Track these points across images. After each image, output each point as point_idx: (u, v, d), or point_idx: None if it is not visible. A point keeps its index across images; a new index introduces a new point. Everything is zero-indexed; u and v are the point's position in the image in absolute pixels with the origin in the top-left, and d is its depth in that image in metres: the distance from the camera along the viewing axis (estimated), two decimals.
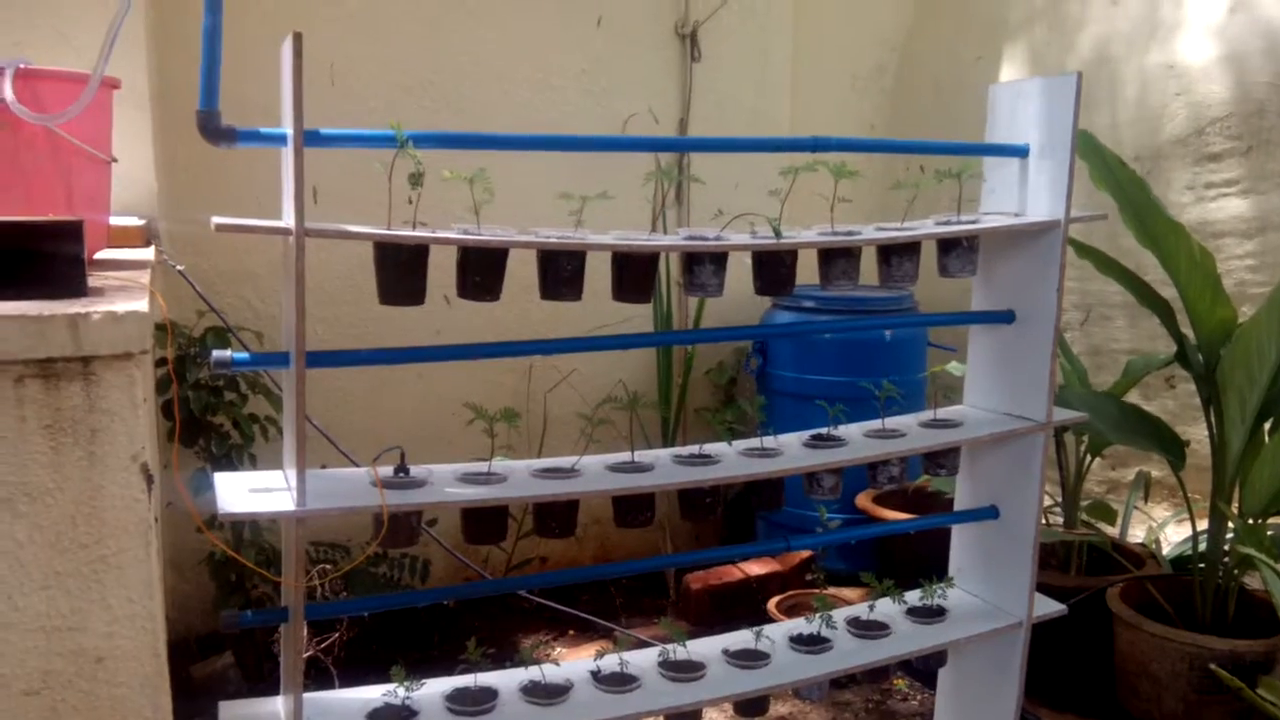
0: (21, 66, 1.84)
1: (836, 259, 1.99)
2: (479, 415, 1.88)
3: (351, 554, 3.21)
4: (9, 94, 1.79)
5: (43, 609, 1.52)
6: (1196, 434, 3.25)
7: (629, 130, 3.91)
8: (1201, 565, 2.90)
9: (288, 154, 1.60)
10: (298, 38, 1.54)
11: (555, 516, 1.90)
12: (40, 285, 1.59)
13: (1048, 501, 3.06)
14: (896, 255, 2.04)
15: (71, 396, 1.50)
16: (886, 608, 2.30)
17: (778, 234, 1.93)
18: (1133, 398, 3.30)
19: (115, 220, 2.32)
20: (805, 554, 3.62)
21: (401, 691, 1.84)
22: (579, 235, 1.81)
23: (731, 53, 4.16)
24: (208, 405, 2.89)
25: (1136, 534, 3.53)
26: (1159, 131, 3.62)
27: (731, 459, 2.04)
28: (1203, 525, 2.98)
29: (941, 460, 2.26)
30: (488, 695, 1.88)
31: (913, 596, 2.35)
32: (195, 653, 3.14)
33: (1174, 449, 2.91)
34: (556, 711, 1.88)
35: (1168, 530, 3.52)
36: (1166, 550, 3.31)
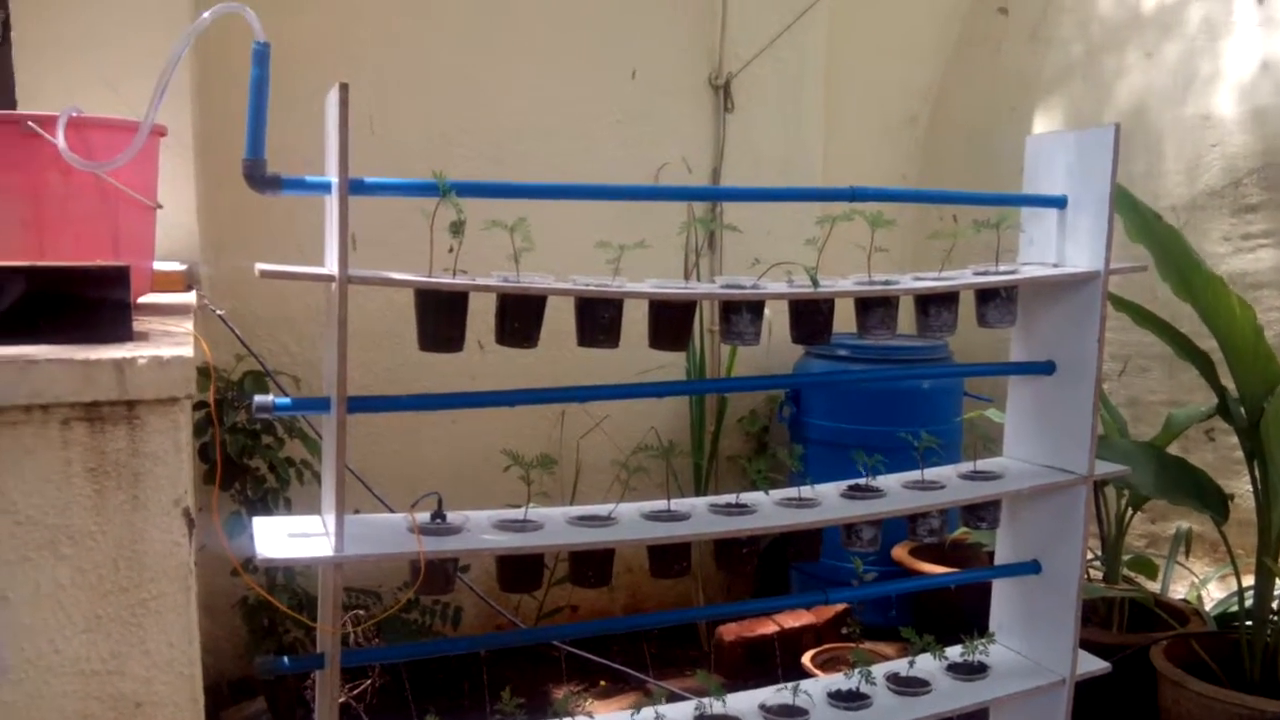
0: (73, 115, 1.88)
1: (875, 308, 1.99)
2: (515, 462, 1.88)
3: (383, 600, 3.20)
4: (61, 142, 1.82)
5: (83, 653, 1.52)
6: (1238, 487, 3.19)
7: (662, 179, 3.94)
8: (1248, 623, 2.84)
9: (332, 202, 1.62)
10: (344, 88, 1.56)
11: (592, 565, 1.89)
12: (87, 329, 1.60)
13: (1088, 556, 3.01)
14: (935, 305, 2.04)
15: (116, 440, 1.51)
16: (926, 664, 2.26)
17: (815, 283, 1.93)
18: (1173, 450, 3.25)
19: (159, 265, 2.35)
20: (841, 607, 3.57)
21: None
22: (618, 283, 1.82)
23: (764, 103, 4.19)
24: (245, 448, 2.91)
25: (1179, 590, 3.46)
26: (1195, 183, 3.60)
27: (768, 509, 2.03)
28: (1248, 581, 2.92)
29: (981, 513, 2.24)
30: None
31: (953, 652, 2.31)
32: (227, 697, 3.12)
33: (1217, 503, 2.86)
34: None
35: (1211, 586, 3.45)
36: (1210, 606, 3.24)
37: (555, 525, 1.87)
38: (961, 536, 3.27)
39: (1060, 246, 2.24)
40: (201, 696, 1.61)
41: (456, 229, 1.67)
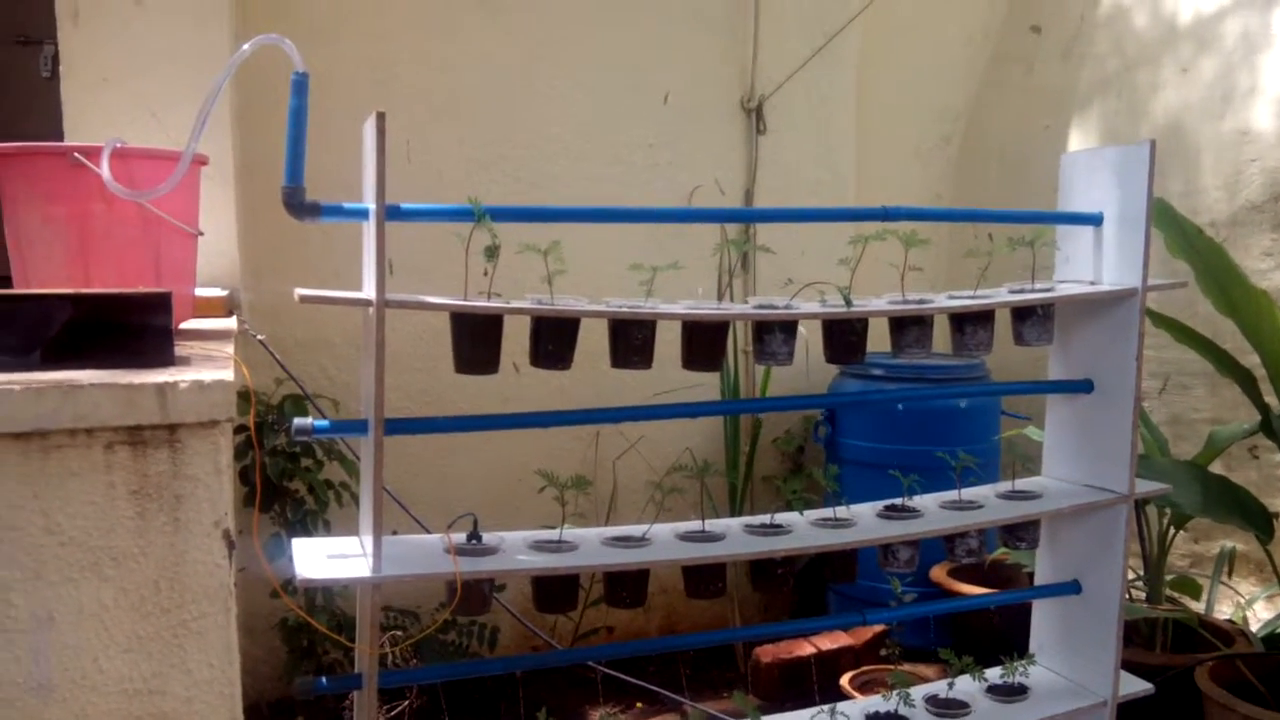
0: (117, 146, 1.92)
1: (909, 327, 1.98)
2: (550, 482, 1.89)
3: (421, 620, 3.21)
4: (106, 173, 1.87)
5: (125, 672, 1.54)
6: None
7: (695, 201, 3.96)
8: None
9: (369, 228, 1.64)
10: (380, 117, 1.59)
11: (626, 586, 1.89)
12: (130, 354, 1.63)
13: (1129, 576, 2.97)
14: (971, 323, 2.03)
15: (158, 463, 1.53)
16: (966, 685, 2.24)
17: (848, 302, 1.93)
18: (1215, 468, 3.20)
19: (200, 291, 2.39)
20: (879, 629, 3.54)
21: None
22: (651, 305, 1.83)
23: (796, 125, 4.20)
24: (284, 471, 2.94)
25: (1223, 610, 3.40)
26: (1235, 198, 3.57)
27: (804, 529, 2.02)
28: None
29: (1021, 533, 2.21)
30: None
31: (993, 674, 2.29)
32: (267, 718, 3.15)
33: (1261, 522, 2.81)
34: None
35: (1257, 606, 3.39)
36: (1256, 627, 3.18)
37: (590, 546, 1.88)
38: (1001, 557, 3.24)
39: (1097, 264, 2.22)
40: (241, 716, 1.63)
41: (491, 253, 1.69)
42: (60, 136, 2.55)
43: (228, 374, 1.58)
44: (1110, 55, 4.04)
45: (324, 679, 1.81)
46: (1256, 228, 3.51)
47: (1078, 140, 4.14)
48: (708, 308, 1.88)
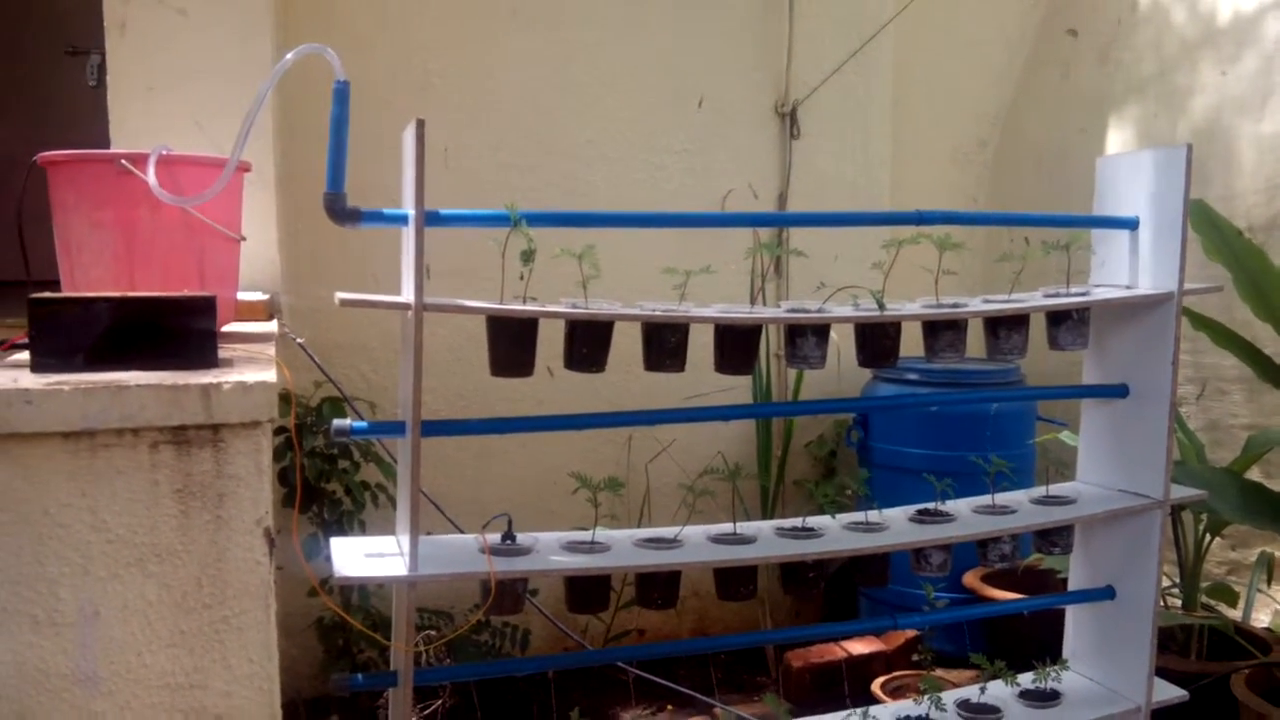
0: (163, 153, 1.96)
1: (943, 331, 1.99)
2: (583, 484, 1.91)
3: (455, 620, 3.24)
4: (152, 179, 1.91)
5: (167, 666, 1.58)
6: None
7: (729, 205, 3.97)
8: None
9: (408, 233, 1.67)
10: (420, 124, 1.62)
11: (658, 587, 1.91)
12: (175, 357, 1.67)
13: (1165, 582, 2.95)
14: (1005, 328, 2.03)
15: (202, 462, 1.57)
16: (998, 690, 2.24)
17: (881, 306, 1.93)
18: (1253, 475, 3.17)
19: (242, 295, 2.44)
20: (911, 634, 3.53)
21: None
22: (684, 309, 1.85)
23: (831, 129, 4.20)
24: (322, 472, 2.98)
25: (1261, 618, 3.36)
26: (1275, 202, 3.53)
27: (835, 532, 2.03)
28: None
29: (1054, 538, 2.21)
30: None
31: (1025, 679, 2.28)
32: (303, 716, 3.19)
33: None
34: None
35: None
36: None
37: (622, 547, 1.90)
38: (1034, 562, 3.22)
39: (1133, 268, 2.21)
40: (279, 711, 1.66)
41: (527, 257, 1.71)
42: (106, 145, 2.61)
43: (270, 375, 1.61)
44: (1147, 58, 4.01)
45: (360, 676, 1.84)
46: None
47: (1114, 144, 4.11)
48: (740, 311, 1.90)
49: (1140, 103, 4.04)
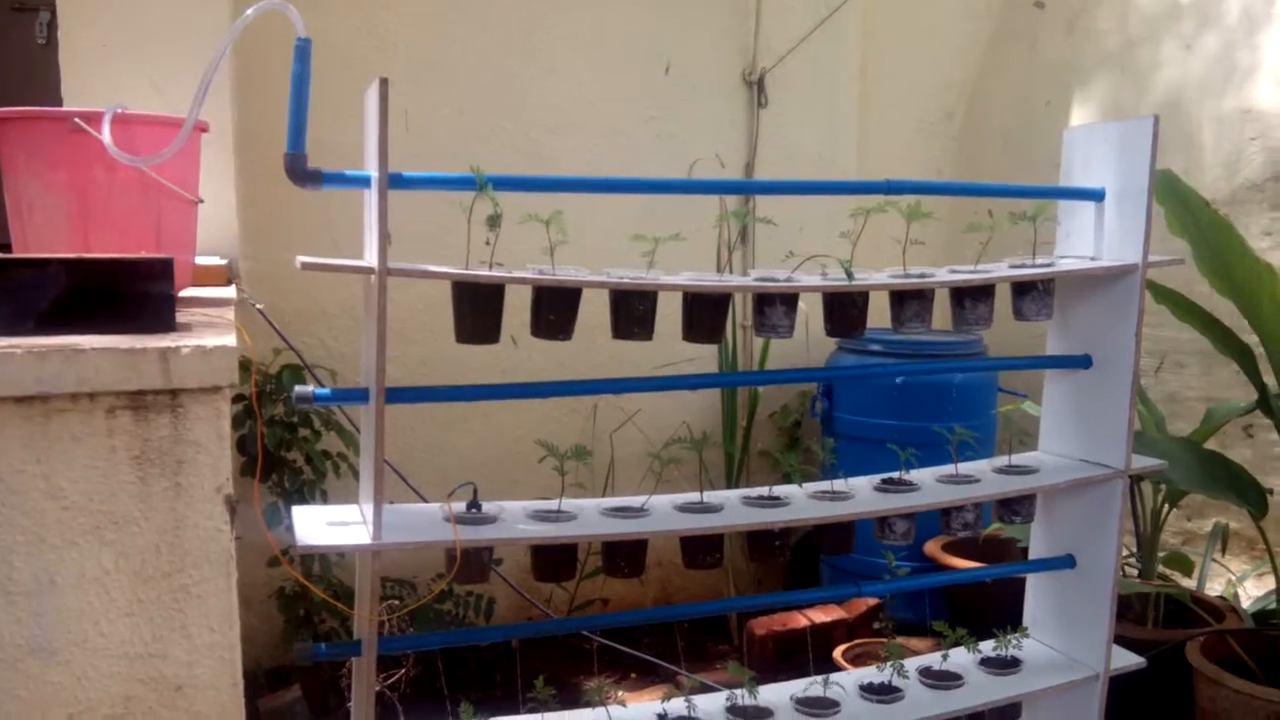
0: (119, 112, 1.91)
1: (909, 301, 1.98)
2: (550, 453, 1.89)
3: (418, 590, 3.23)
4: (107, 138, 1.86)
5: (126, 636, 1.55)
6: (1276, 483, 3.15)
7: (695, 174, 3.95)
8: None
9: (371, 196, 1.64)
10: (384, 83, 1.58)
11: (624, 556, 1.90)
12: (131, 320, 1.64)
13: (1123, 553, 2.99)
14: (971, 298, 2.03)
15: (160, 428, 1.54)
16: (959, 658, 2.26)
17: (850, 275, 1.93)
18: (1210, 446, 3.22)
19: (200, 259, 2.39)
20: (873, 602, 3.57)
21: None
22: (652, 276, 1.83)
23: (798, 98, 4.18)
24: (282, 440, 2.95)
25: (1215, 587, 3.42)
26: (1235, 177, 3.56)
27: (801, 501, 2.03)
28: None
29: (1016, 507, 2.23)
30: None
31: (986, 647, 2.30)
32: (263, 686, 3.17)
33: (1255, 498, 2.83)
34: None
35: (1248, 583, 3.41)
36: (1247, 604, 3.20)
37: (589, 516, 1.89)
38: (995, 532, 3.25)
39: (1098, 240, 2.22)
40: (241, 680, 1.64)
41: (494, 222, 1.68)
42: (58, 105, 2.54)
43: (230, 340, 1.58)
44: (1113, 31, 4.02)
45: (323, 646, 1.82)
46: (1256, 207, 3.51)
47: (1080, 116, 4.13)
48: (711, 279, 1.88)
49: (1106, 76, 4.06)
